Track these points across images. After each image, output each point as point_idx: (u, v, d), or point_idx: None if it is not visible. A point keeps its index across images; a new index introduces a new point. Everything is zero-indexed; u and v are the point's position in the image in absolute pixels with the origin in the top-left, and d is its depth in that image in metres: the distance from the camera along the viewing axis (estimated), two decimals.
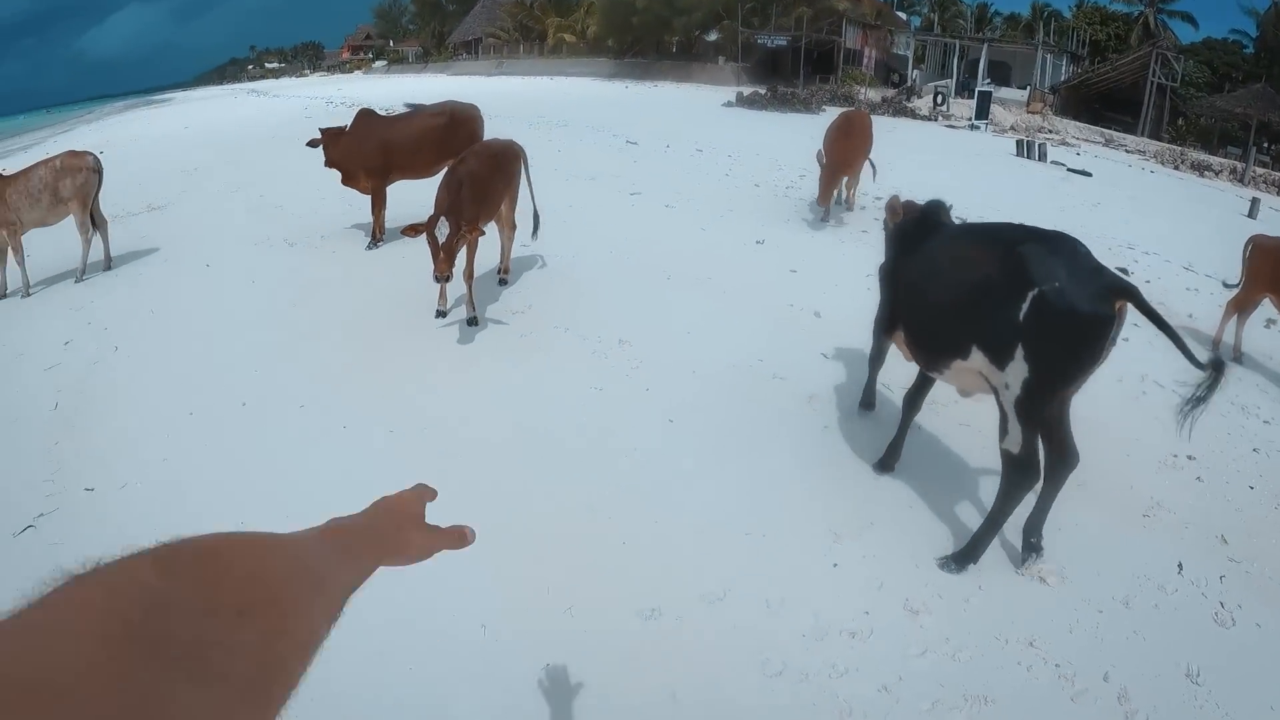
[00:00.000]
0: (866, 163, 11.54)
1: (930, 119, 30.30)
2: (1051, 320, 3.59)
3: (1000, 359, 3.81)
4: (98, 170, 9.37)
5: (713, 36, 41.21)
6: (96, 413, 6.11)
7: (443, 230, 6.29)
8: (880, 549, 4.30)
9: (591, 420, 5.53)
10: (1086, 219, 12.32)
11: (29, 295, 8.98)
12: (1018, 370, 3.75)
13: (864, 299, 7.31)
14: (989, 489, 4.66)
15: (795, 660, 3.60)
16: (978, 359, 3.94)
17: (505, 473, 4.92)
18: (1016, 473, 3.96)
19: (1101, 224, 12.20)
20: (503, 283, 8.30)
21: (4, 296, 9.03)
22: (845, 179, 11.18)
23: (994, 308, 3.77)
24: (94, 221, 9.57)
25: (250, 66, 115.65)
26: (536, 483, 4.82)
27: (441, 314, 7.33)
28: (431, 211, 6.45)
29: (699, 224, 10.73)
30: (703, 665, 3.57)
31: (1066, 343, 3.65)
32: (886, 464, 4.96)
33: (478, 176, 7.01)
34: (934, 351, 4.35)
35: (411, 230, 6.43)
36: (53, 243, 9.51)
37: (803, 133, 19.32)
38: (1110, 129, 31.90)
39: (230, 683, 0.56)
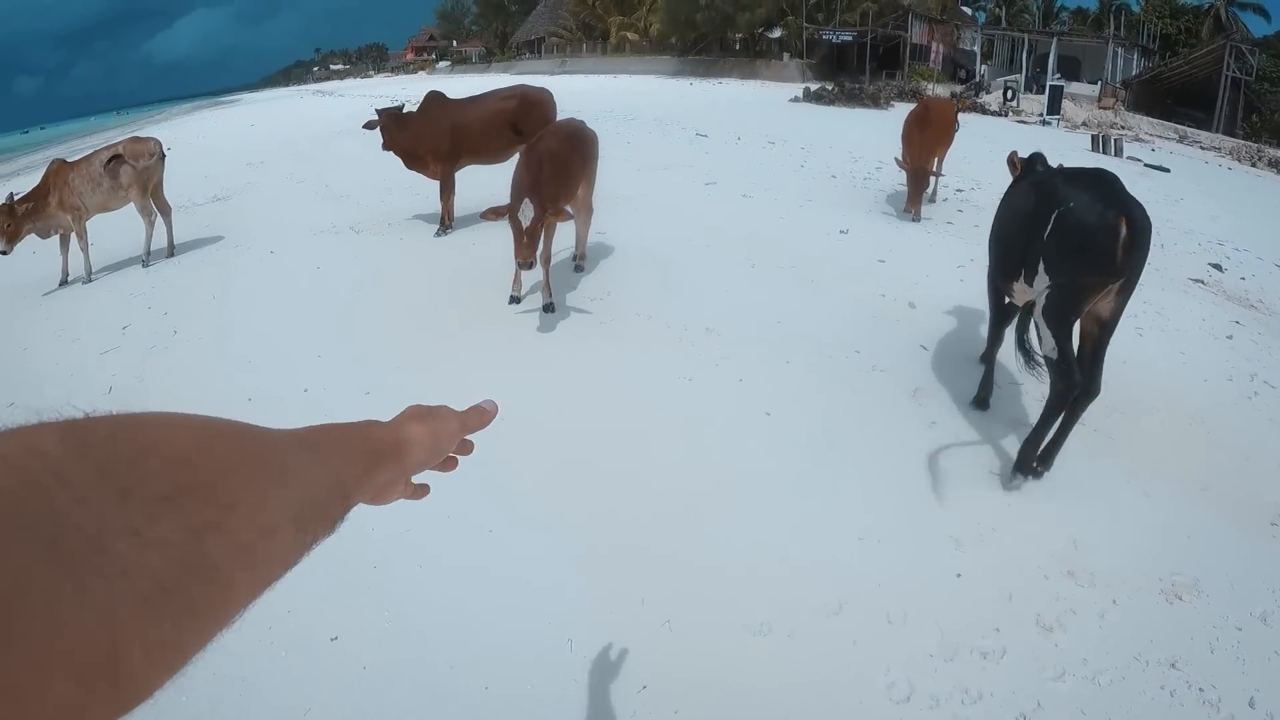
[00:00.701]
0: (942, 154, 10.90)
1: (1000, 114, 29.47)
2: (1065, 233, 4.04)
3: (1032, 275, 4.25)
4: (160, 156, 9.25)
5: (776, 33, 40.57)
6: (152, 397, 5.83)
7: (526, 213, 5.91)
8: (1005, 558, 3.85)
9: (682, 413, 5.12)
10: (1170, 214, 11.60)
11: (90, 282, 8.89)
12: (1042, 282, 4.16)
13: (958, 290, 6.88)
14: (1119, 499, 4.32)
15: (923, 683, 3.16)
16: (1024, 278, 4.37)
17: (589, 468, 4.54)
18: (1058, 377, 4.24)
19: (1186, 219, 11.57)
20: (579, 269, 7.91)
21: (66, 283, 8.94)
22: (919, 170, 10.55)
23: (1032, 231, 4.24)
24: (159, 208, 9.47)
25: (315, 68, 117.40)
26: (624, 480, 4.42)
27: (515, 300, 6.98)
28: (510, 194, 6.10)
29: (779, 213, 10.24)
30: (821, 687, 3.15)
31: (1077, 252, 4.00)
32: (982, 400, 5.17)
33: (558, 156, 6.62)
34: (1003, 277, 4.79)
35: (492, 213, 6.07)
36: (116, 230, 9.41)
37: (874, 127, 18.83)
38: (1183, 125, 30.70)
39: (134, 582, 0.44)
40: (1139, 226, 3.89)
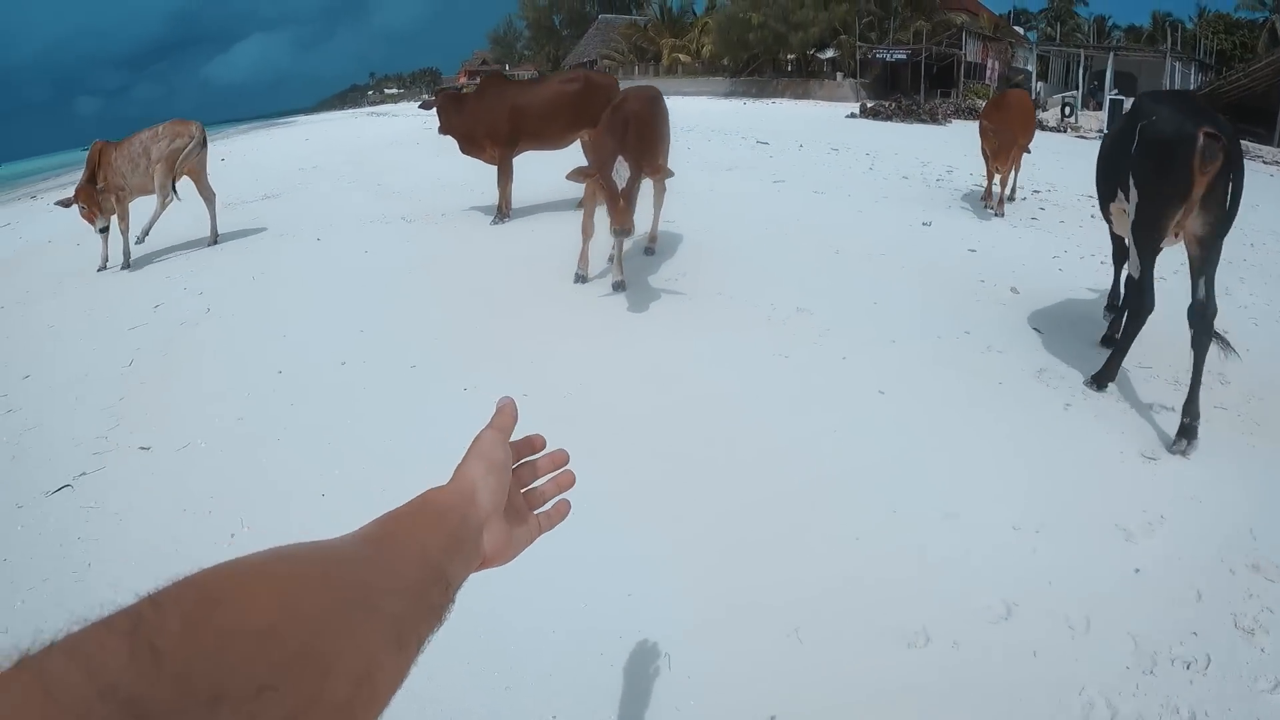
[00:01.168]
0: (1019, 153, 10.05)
1: (1059, 130, 28.61)
2: (1147, 146, 4.07)
3: (1127, 191, 4.29)
4: (201, 140, 8.97)
5: (829, 53, 39.98)
6: (174, 371, 5.52)
7: (621, 172, 5.36)
8: (1181, 550, 3.18)
9: (781, 390, 4.51)
10: (1247, 219, 10.78)
11: (129, 267, 8.62)
12: (1132, 197, 4.20)
13: (1060, 279, 6.25)
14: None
15: (1125, 702, 2.48)
16: (1120, 197, 4.46)
17: (677, 452, 3.91)
18: (1134, 298, 4.33)
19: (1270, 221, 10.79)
20: (649, 252, 7.42)
21: (104, 268, 8.68)
22: (998, 167, 9.81)
23: (1121, 152, 4.36)
24: (202, 194, 9.23)
25: (370, 92, 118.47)
26: (720, 464, 3.80)
27: (581, 279, 6.46)
28: (592, 158, 5.67)
29: (855, 207, 9.59)
30: (1003, 708, 2.49)
31: (1158, 164, 4.00)
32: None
33: (642, 117, 6.09)
34: (1105, 200, 4.86)
35: (579, 174, 5.62)
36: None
37: (937, 140, 18.22)
38: (1243, 140, 29.55)
39: None
40: (1218, 139, 3.82)
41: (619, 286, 6.27)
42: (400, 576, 0.60)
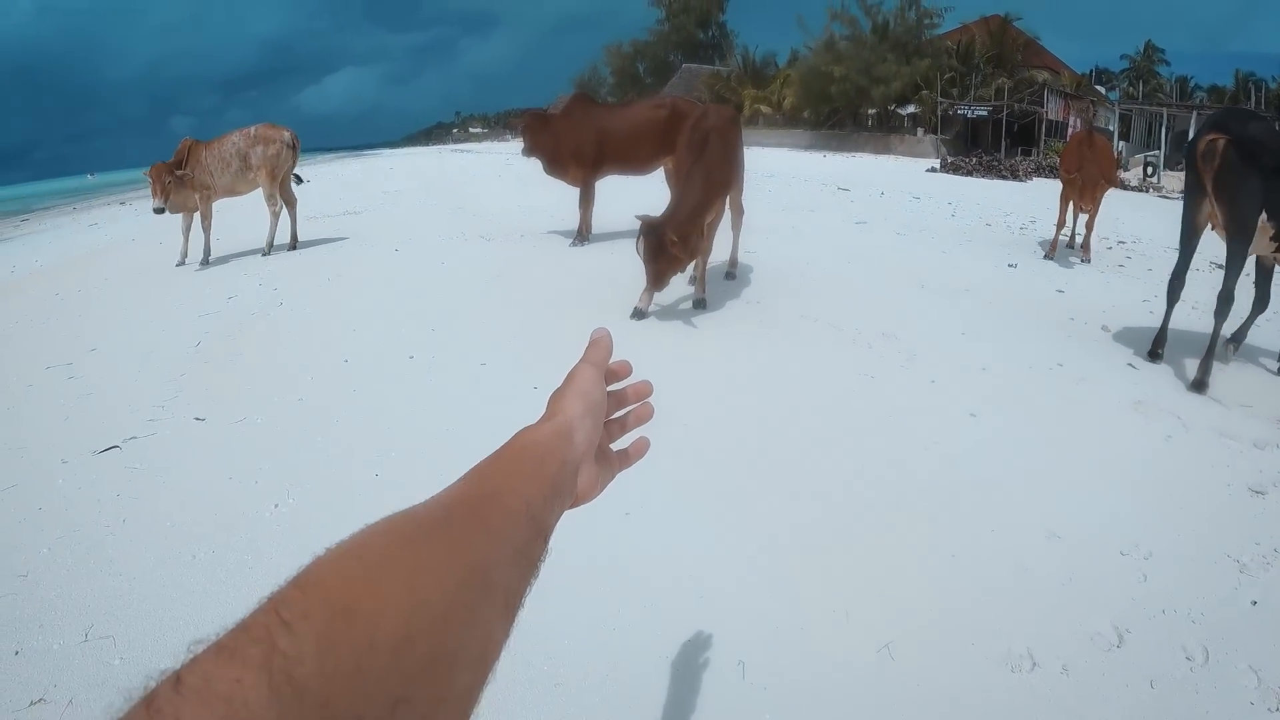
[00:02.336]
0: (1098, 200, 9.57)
1: (1140, 190, 27.92)
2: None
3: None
4: (293, 146, 9.13)
5: (910, 109, 39.65)
6: (240, 353, 5.60)
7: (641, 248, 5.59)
8: None
9: (867, 407, 4.33)
10: None
11: (208, 265, 8.84)
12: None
13: (1152, 321, 5.92)
14: None
15: None
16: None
17: (760, 463, 3.74)
18: (1221, 303, 4.83)
19: None
20: (729, 277, 7.29)
21: (183, 264, 8.93)
22: (1084, 207, 9.41)
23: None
24: (285, 199, 9.42)
25: (455, 130, 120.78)
26: (804, 474, 3.61)
27: (640, 315, 6.02)
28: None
29: (939, 248, 9.33)
30: None
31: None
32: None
33: (726, 135, 6.18)
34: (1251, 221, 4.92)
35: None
36: (242, 221, 9.34)
37: (1019, 194, 17.80)
38: None
39: None
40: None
41: (699, 304, 6.24)
42: (509, 541, 0.56)
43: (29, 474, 3.88)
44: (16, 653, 2.56)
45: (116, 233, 14.28)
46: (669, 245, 5.44)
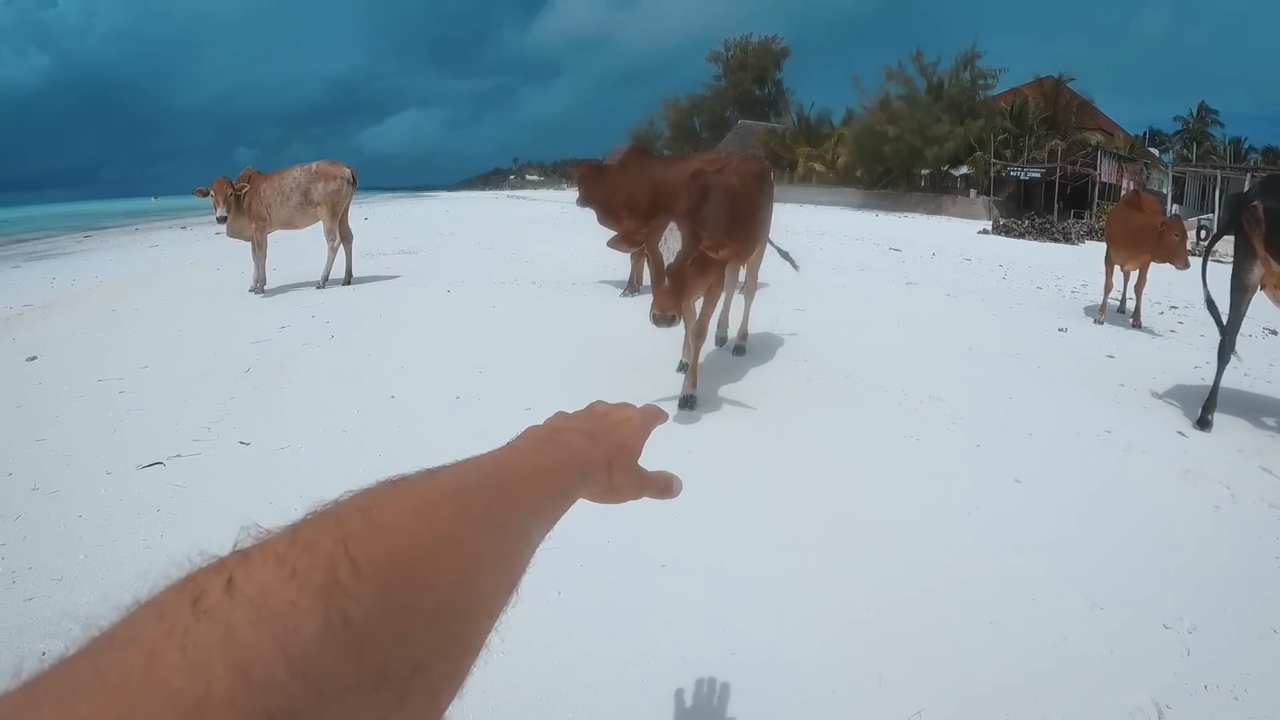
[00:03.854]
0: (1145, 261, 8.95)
1: (1194, 254, 27.44)
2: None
3: None
4: (352, 182, 9.33)
5: (963, 169, 39.52)
6: (288, 382, 5.70)
7: (671, 244, 4.39)
8: None
9: (911, 469, 4.31)
10: None
11: (263, 294, 9.10)
12: None
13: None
14: None
15: None
16: None
17: (803, 521, 3.73)
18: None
19: None
20: (739, 352, 6.57)
21: (255, 289, 9.22)
22: (1132, 269, 9.25)
23: None
24: (342, 234, 9.58)
25: (512, 176, 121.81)
26: (848, 534, 3.60)
27: (685, 368, 5.47)
28: (630, 230, 4.83)
29: (989, 311, 9.29)
30: None
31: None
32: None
33: (734, 190, 5.21)
34: None
35: (622, 242, 4.75)
36: (301, 253, 9.54)
37: (1070, 257, 17.63)
38: None
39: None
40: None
41: (686, 403, 5.06)
42: (531, 548, 0.58)
43: (72, 482, 4.00)
44: (43, 654, 2.62)
45: (176, 256, 14.72)
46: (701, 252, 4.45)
